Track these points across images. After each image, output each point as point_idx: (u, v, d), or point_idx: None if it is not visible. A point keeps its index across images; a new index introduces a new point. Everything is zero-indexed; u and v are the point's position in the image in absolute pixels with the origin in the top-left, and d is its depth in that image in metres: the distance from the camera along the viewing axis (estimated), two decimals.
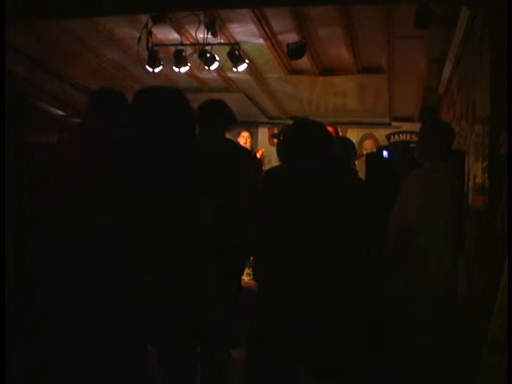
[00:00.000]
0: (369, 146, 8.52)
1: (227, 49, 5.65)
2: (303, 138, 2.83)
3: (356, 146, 4.61)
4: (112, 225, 2.18)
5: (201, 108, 3.59)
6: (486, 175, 3.33)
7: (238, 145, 3.61)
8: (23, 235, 2.81)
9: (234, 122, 3.68)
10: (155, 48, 5.70)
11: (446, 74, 5.91)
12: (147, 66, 5.83)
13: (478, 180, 3.65)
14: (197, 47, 5.68)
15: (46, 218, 2.67)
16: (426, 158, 3.35)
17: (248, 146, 6.92)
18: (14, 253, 2.71)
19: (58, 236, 2.59)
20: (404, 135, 8.58)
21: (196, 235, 2.25)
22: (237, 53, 5.66)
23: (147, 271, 2.17)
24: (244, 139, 6.98)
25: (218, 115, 3.57)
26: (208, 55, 5.66)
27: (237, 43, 5.68)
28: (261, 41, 5.64)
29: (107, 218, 2.19)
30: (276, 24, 5.30)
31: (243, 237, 3.36)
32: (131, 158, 2.24)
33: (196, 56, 5.72)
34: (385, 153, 4.26)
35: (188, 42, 5.75)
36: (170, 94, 2.33)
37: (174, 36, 5.66)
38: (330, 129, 6.50)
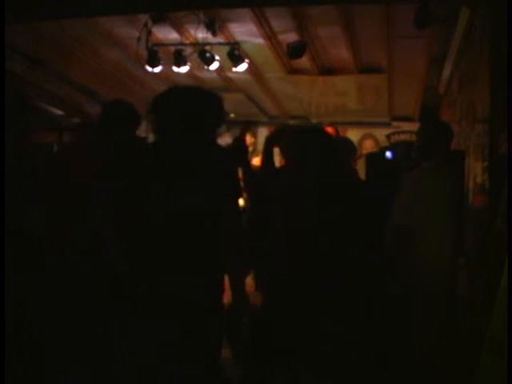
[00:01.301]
0: (369, 146, 8.51)
1: (227, 48, 5.65)
2: (305, 144, 2.85)
3: (356, 145, 4.60)
4: (136, 223, 2.18)
5: None
6: (486, 175, 3.33)
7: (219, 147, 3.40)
8: (27, 236, 2.81)
9: (222, 122, 3.45)
10: (155, 48, 5.70)
11: (446, 73, 5.91)
12: (147, 66, 5.83)
13: (478, 180, 3.65)
14: (196, 47, 5.68)
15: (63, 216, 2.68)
16: (425, 158, 3.35)
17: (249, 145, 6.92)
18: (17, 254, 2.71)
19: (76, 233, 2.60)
20: (404, 135, 8.57)
21: (220, 234, 2.26)
22: (236, 52, 5.66)
23: (172, 269, 2.17)
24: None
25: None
26: (208, 55, 5.66)
27: (236, 43, 5.68)
28: (261, 40, 5.64)
29: (131, 216, 2.19)
30: (276, 24, 5.30)
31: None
32: (158, 158, 2.24)
33: (196, 56, 5.72)
34: (388, 153, 4.25)
35: (188, 42, 5.75)
36: (195, 94, 2.31)
37: (174, 36, 5.66)
38: (330, 129, 6.53)
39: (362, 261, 3.14)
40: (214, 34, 5.29)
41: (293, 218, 2.76)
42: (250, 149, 6.76)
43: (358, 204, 3.31)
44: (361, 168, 4.22)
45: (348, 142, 4.16)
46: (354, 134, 8.28)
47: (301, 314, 2.73)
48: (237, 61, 5.72)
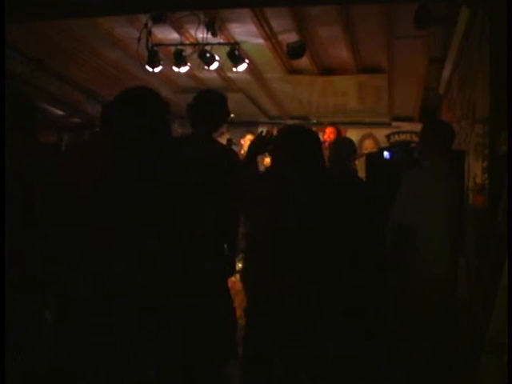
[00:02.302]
0: (369, 146, 8.53)
1: (227, 49, 5.66)
2: (298, 146, 2.85)
3: (356, 145, 4.60)
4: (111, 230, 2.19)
5: (193, 100, 3.27)
6: (486, 175, 3.33)
7: (220, 145, 3.38)
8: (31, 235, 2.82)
9: (224, 121, 3.38)
10: (155, 48, 5.70)
11: (446, 73, 5.91)
12: (147, 66, 5.84)
13: (478, 180, 3.65)
14: (196, 47, 5.68)
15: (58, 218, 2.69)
16: (426, 158, 3.34)
17: None
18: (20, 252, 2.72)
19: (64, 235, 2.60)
20: (404, 135, 8.59)
21: (196, 235, 2.25)
22: (236, 53, 5.67)
23: (146, 273, 2.16)
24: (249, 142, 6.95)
25: (205, 113, 3.20)
26: (208, 55, 5.66)
27: (236, 43, 5.68)
28: (261, 41, 5.64)
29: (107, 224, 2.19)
30: (276, 24, 5.30)
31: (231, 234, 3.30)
32: (115, 165, 2.25)
33: (196, 56, 5.72)
34: (386, 153, 4.25)
35: (188, 42, 5.75)
36: (136, 95, 2.31)
37: (174, 36, 5.66)
38: (331, 129, 6.54)
39: (359, 258, 3.15)
40: (214, 34, 5.29)
41: (278, 216, 2.75)
42: None
43: (356, 204, 3.32)
44: (361, 168, 4.22)
45: (349, 142, 4.16)
46: (354, 134, 8.29)
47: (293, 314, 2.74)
48: (237, 61, 5.73)
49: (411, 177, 3.30)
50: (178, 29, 5.46)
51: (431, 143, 3.33)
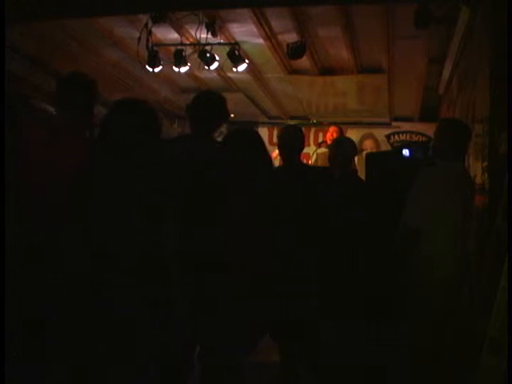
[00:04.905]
0: (369, 146, 8.53)
1: (227, 49, 5.66)
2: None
3: (357, 146, 4.59)
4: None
5: (193, 101, 3.24)
6: (486, 175, 3.33)
7: (217, 148, 3.32)
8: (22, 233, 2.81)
9: (223, 122, 3.35)
10: (155, 48, 5.70)
11: (445, 73, 5.92)
12: (147, 66, 5.84)
13: (478, 180, 3.65)
14: (197, 47, 5.68)
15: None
16: (441, 157, 3.27)
17: None
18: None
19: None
20: (404, 135, 8.59)
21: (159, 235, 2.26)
22: (237, 53, 5.67)
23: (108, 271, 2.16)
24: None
25: (203, 114, 3.16)
26: (208, 55, 5.66)
27: (237, 43, 5.68)
28: (261, 41, 5.64)
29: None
30: (276, 24, 5.30)
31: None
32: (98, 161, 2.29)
33: (196, 56, 5.72)
34: (405, 151, 4.17)
35: (188, 42, 5.75)
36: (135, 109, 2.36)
37: (174, 36, 5.66)
38: (335, 128, 6.53)
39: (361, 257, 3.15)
40: (214, 34, 5.29)
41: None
42: None
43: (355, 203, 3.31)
44: (361, 168, 4.22)
45: (349, 142, 4.16)
46: (354, 134, 8.28)
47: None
48: (237, 61, 5.73)
49: (423, 177, 3.22)
50: (178, 29, 5.46)
51: (445, 142, 3.25)
